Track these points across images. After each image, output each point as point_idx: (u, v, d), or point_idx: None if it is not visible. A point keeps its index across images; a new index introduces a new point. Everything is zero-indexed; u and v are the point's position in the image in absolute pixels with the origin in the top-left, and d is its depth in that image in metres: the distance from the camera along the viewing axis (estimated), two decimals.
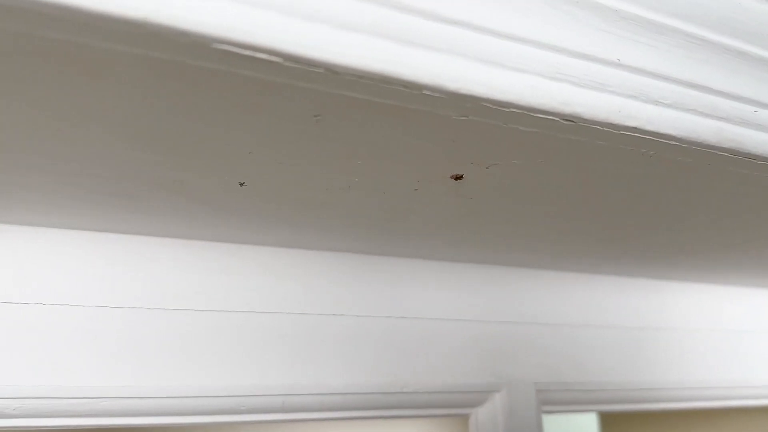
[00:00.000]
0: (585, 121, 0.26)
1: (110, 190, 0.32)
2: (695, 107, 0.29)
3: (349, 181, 0.32)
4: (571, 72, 0.26)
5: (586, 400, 0.62)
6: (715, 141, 0.29)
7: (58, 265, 0.39)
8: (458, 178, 0.32)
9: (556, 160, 0.30)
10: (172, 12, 0.19)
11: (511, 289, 0.55)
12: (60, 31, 0.19)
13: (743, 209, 0.39)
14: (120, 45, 0.20)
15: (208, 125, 0.25)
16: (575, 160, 0.30)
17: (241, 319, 0.42)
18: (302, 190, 0.34)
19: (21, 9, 0.18)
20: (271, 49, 0.21)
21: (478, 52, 0.24)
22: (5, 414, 0.37)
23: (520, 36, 0.25)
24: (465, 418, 0.51)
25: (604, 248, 0.50)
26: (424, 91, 0.23)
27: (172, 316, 0.40)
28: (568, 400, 0.61)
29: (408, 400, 0.46)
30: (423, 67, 0.23)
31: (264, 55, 0.21)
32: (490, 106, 0.24)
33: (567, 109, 0.25)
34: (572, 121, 0.26)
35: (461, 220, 0.39)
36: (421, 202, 0.36)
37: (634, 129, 0.27)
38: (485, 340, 0.52)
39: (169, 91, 0.23)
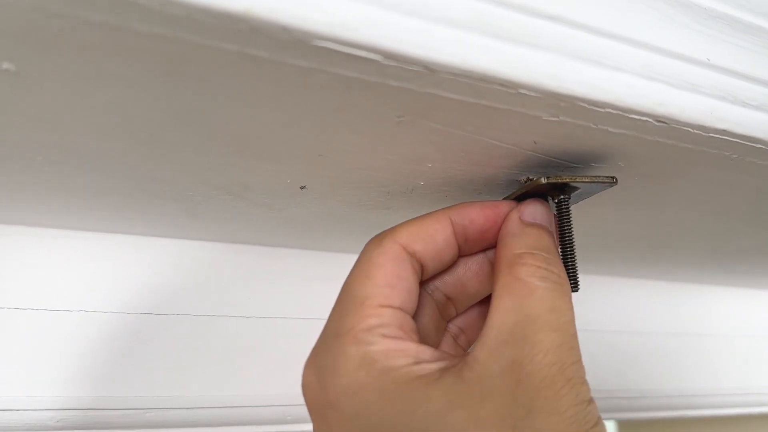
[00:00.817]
0: (678, 122, 0.25)
1: (173, 195, 0.31)
2: None
3: (414, 184, 0.31)
4: (665, 71, 0.25)
5: (604, 408, 0.62)
6: None
7: (101, 270, 0.38)
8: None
9: (635, 163, 0.29)
10: (273, 5, 0.18)
11: None
12: (154, 24, 0.18)
13: None
14: (215, 41, 0.19)
15: (286, 127, 0.24)
16: (656, 162, 0.29)
17: (290, 326, 0.41)
18: (362, 192, 0.33)
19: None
20: (372, 47, 0.19)
21: (576, 50, 0.23)
22: (47, 426, 0.36)
23: (615, 33, 0.24)
24: None
25: (644, 253, 0.49)
26: (521, 90, 0.22)
27: (222, 323, 0.39)
28: None
29: None
30: (522, 65, 0.22)
31: (364, 52, 0.19)
32: (586, 105, 0.23)
33: (662, 110, 0.24)
34: (665, 123, 0.25)
35: None
36: None
37: (724, 131, 0.26)
38: None
39: (256, 91, 0.21)
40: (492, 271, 0.29)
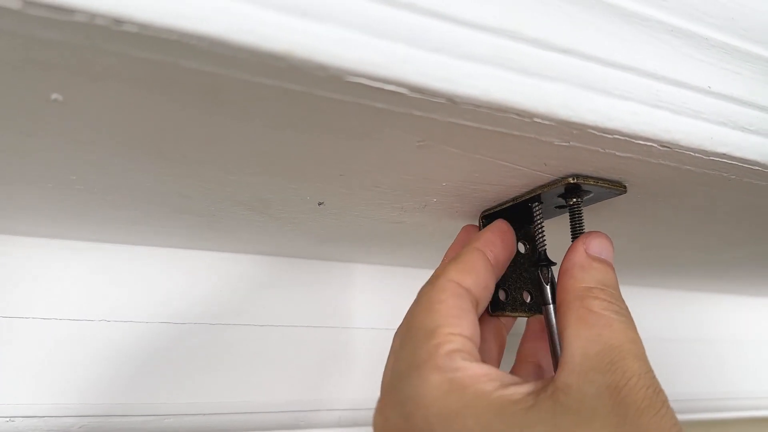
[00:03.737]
0: (681, 147, 0.26)
1: (195, 210, 0.32)
2: None
3: (427, 200, 0.33)
4: (669, 99, 0.26)
5: None
6: None
7: (121, 281, 0.39)
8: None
9: (639, 183, 0.30)
10: (312, 45, 0.19)
11: None
12: (202, 62, 0.19)
13: None
14: (256, 77, 0.20)
15: (312, 150, 0.26)
16: (659, 183, 0.30)
17: (304, 334, 0.42)
18: (377, 208, 0.34)
19: (163, 39, 0.18)
20: (399, 81, 0.21)
21: (586, 80, 0.24)
22: None
23: (622, 63, 0.25)
24: None
25: (649, 263, 0.50)
26: (535, 119, 0.23)
27: (237, 331, 0.41)
28: None
29: None
30: (537, 96, 0.23)
31: (392, 86, 0.21)
32: (595, 132, 0.25)
33: (666, 136, 0.26)
34: (669, 148, 0.26)
35: None
36: None
37: (723, 155, 0.28)
38: None
39: (288, 119, 0.23)
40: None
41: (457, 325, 0.25)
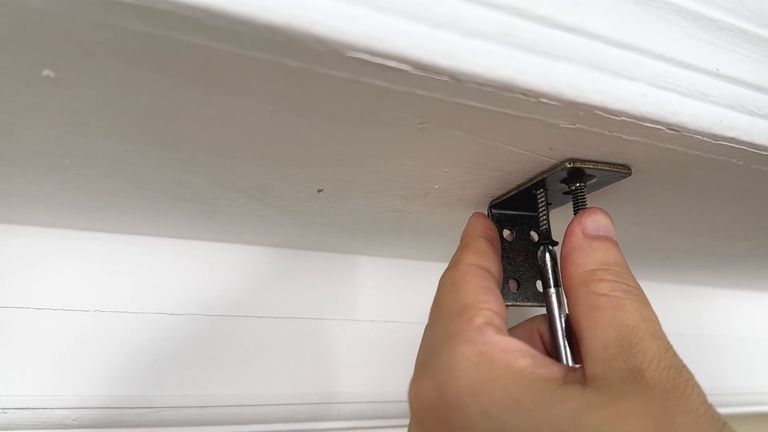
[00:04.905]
0: (689, 131, 0.26)
1: (192, 197, 0.32)
2: None
3: (428, 188, 0.32)
4: (677, 81, 0.25)
5: None
6: None
7: (116, 271, 0.38)
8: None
9: (645, 168, 0.30)
10: (312, 17, 0.19)
11: None
12: (195, 34, 0.19)
13: None
14: (252, 51, 0.19)
15: (312, 132, 0.25)
16: (665, 168, 0.30)
17: (301, 325, 0.42)
18: (377, 195, 0.33)
19: (157, 10, 0.18)
20: (402, 57, 0.20)
21: (594, 60, 0.23)
22: (64, 425, 0.36)
23: (630, 44, 0.25)
24: None
25: (653, 255, 0.50)
26: (542, 99, 0.23)
27: (234, 323, 0.40)
28: None
29: None
30: (544, 75, 0.22)
31: (394, 63, 0.20)
32: (603, 114, 0.24)
33: (674, 118, 0.25)
34: (677, 131, 0.26)
35: None
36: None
37: (732, 139, 0.27)
38: None
39: (287, 99, 0.22)
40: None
41: (485, 301, 0.26)
